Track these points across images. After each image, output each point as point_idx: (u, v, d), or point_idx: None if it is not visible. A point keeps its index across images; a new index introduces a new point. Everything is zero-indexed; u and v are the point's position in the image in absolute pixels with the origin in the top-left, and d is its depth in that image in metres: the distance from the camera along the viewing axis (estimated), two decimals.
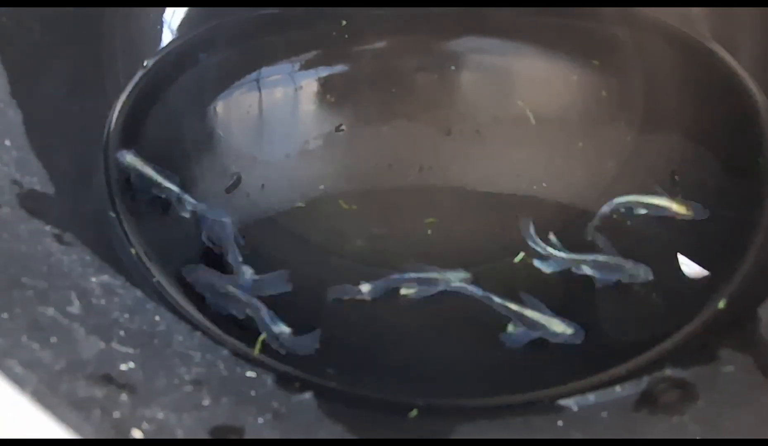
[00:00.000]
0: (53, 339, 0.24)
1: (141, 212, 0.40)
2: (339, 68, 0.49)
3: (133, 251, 0.37)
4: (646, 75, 0.46)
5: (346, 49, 0.49)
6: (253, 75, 0.49)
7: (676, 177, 0.41)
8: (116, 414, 0.22)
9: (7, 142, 0.34)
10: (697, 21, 0.46)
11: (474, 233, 0.41)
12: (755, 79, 0.42)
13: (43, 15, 0.41)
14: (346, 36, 0.49)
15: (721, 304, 0.33)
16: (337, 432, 0.27)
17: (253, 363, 0.31)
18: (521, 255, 0.38)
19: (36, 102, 0.38)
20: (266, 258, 0.39)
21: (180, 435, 0.23)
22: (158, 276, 0.36)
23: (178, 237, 0.40)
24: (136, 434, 0.22)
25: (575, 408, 0.29)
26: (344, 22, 0.49)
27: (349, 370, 0.32)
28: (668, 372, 0.29)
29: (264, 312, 0.35)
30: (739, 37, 0.45)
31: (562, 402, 0.29)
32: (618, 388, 0.29)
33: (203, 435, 0.24)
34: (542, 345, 0.33)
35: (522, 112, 0.46)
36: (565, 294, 0.36)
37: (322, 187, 0.43)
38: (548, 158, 0.43)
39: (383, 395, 0.31)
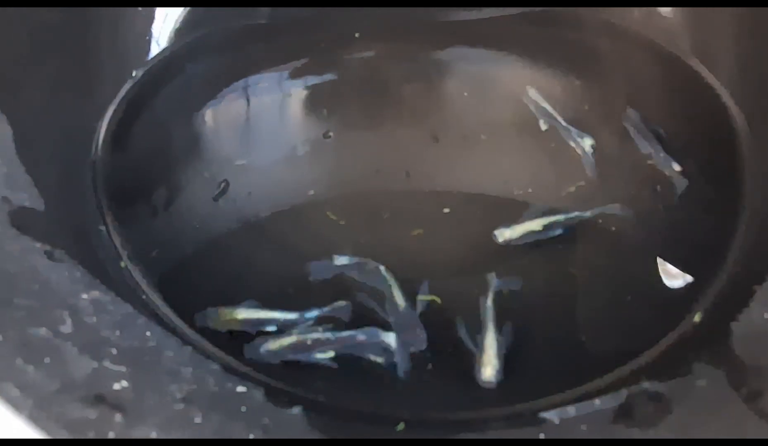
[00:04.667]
0: (47, 360, 0.25)
1: (131, 225, 0.40)
2: (326, 76, 0.49)
3: (122, 264, 0.37)
4: (628, 89, 0.47)
5: (334, 58, 0.50)
6: (241, 83, 0.49)
7: (658, 187, 0.42)
8: (110, 435, 0.23)
9: None
10: (678, 36, 0.48)
11: (461, 241, 0.41)
12: (732, 94, 0.44)
13: (29, 24, 0.41)
14: (334, 45, 0.50)
15: (697, 318, 0.34)
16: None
17: (243, 377, 0.31)
18: None
19: (22, 114, 0.37)
20: (252, 265, 0.40)
21: None
22: (147, 290, 0.36)
23: (168, 249, 0.40)
24: None
25: (557, 421, 0.30)
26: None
27: (337, 384, 0.33)
28: (645, 385, 0.30)
29: None
30: (718, 54, 0.46)
31: (545, 414, 0.30)
32: (597, 401, 0.30)
33: None
34: (524, 356, 0.34)
35: (507, 121, 0.47)
36: (546, 305, 0.37)
37: (309, 193, 0.43)
38: (533, 167, 0.44)
39: (370, 408, 0.31)
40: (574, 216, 0.40)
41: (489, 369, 0.33)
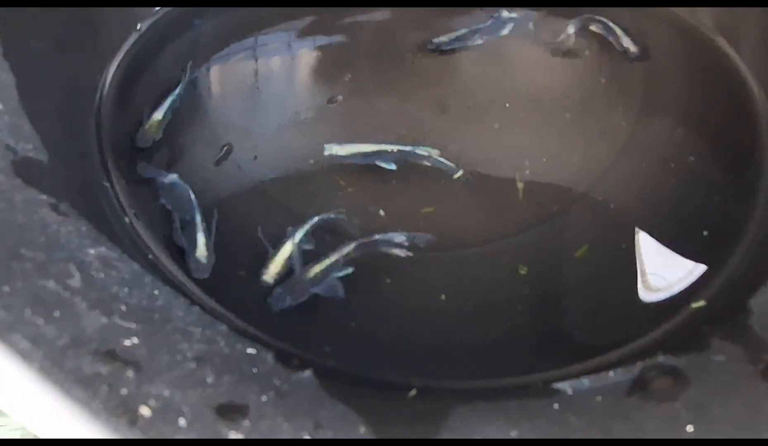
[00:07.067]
0: (56, 313, 0.24)
1: (135, 180, 0.39)
2: (337, 39, 0.48)
3: (127, 220, 0.36)
4: (647, 63, 0.46)
5: (345, 20, 0.48)
6: (249, 42, 0.48)
7: (672, 164, 0.41)
8: (123, 391, 0.22)
9: (0, 106, 0.33)
10: (702, 12, 0.47)
11: (469, 211, 0.41)
12: (755, 73, 0.43)
13: None
14: (346, 6, 0.49)
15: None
16: (338, 410, 0.27)
17: (252, 339, 0.31)
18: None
19: (27, 65, 0.36)
20: (256, 230, 0.39)
21: (186, 412, 0.23)
22: (154, 247, 0.35)
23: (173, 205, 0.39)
24: (144, 411, 0.22)
25: (570, 392, 0.29)
26: None
27: (346, 349, 0.33)
28: (660, 359, 0.30)
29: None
30: (742, 31, 0.45)
31: (557, 385, 0.30)
32: (611, 373, 0.30)
33: (209, 413, 0.24)
34: (538, 328, 0.34)
35: (519, 93, 0.46)
36: (560, 278, 0.37)
37: (314, 160, 0.42)
38: (544, 140, 0.43)
39: (383, 375, 0.31)
40: (398, 151, 0.41)
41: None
